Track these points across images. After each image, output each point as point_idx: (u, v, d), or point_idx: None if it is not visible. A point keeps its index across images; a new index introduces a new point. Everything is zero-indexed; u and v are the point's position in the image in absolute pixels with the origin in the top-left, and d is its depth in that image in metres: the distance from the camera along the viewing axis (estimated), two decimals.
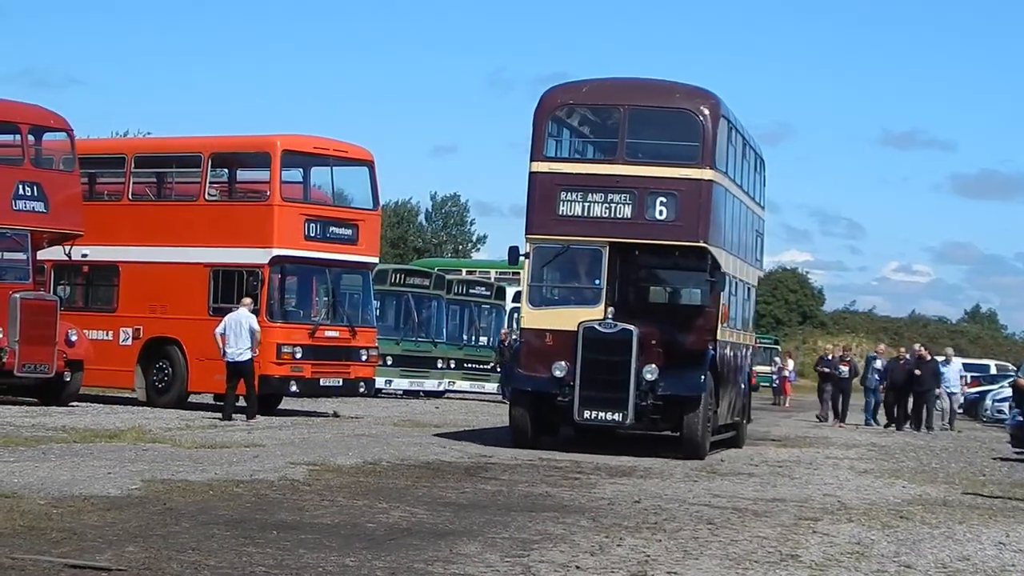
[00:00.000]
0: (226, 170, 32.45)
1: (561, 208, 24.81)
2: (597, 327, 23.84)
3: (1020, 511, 17.77)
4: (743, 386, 30.12)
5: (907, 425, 40.89)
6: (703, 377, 24.13)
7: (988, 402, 46.85)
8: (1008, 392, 43.88)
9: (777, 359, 64.84)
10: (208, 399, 31.72)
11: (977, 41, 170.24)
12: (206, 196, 31.25)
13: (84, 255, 30.89)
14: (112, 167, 33.30)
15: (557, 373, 23.68)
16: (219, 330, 27.32)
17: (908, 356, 43.26)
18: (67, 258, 30.62)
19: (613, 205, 24.56)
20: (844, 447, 31.70)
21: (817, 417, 44.34)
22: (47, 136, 30.72)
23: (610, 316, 23.94)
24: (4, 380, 28.10)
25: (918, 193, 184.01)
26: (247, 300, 27.98)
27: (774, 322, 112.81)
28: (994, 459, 29.78)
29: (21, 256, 28.78)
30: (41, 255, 29.86)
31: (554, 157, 25.53)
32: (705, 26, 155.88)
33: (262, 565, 11.17)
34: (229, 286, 29.47)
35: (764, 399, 60.79)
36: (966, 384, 47.79)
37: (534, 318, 25.22)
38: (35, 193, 29.23)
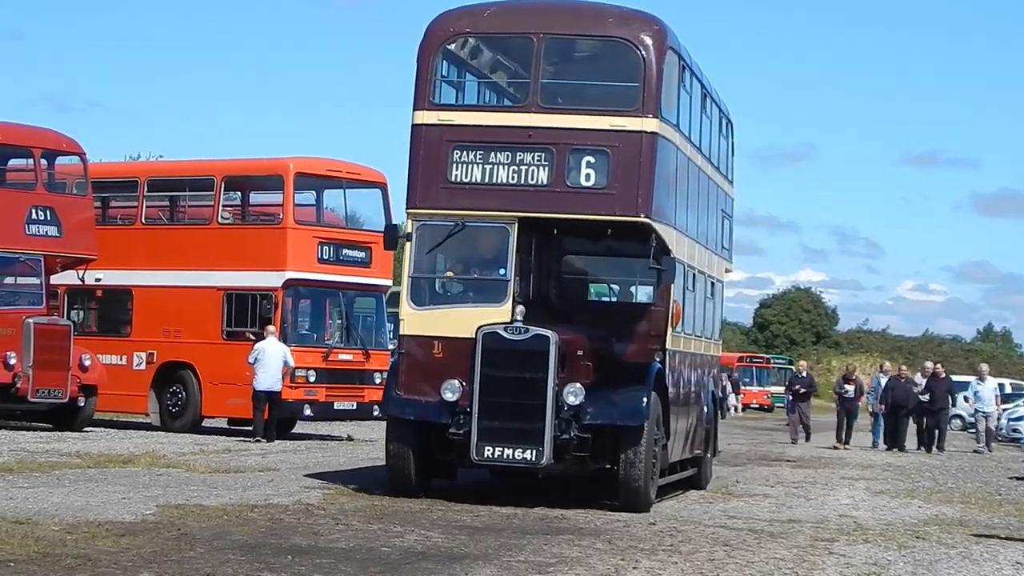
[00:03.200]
0: (239, 193, 32.50)
1: (454, 173, 18.24)
2: (502, 333, 17.44)
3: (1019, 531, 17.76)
4: (707, 410, 23.43)
5: (919, 448, 40.59)
6: (645, 400, 17.70)
7: (1003, 421, 46.68)
8: (1023, 411, 43.85)
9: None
10: (222, 423, 31.75)
11: (999, 59, 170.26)
12: (219, 219, 31.30)
13: (97, 279, 30.97)
14: (125, 191, 33.38)
15: (448, 396, 17.35)
16: (250, 359, 27.50)
17: (910, 374, 43.21)
18: (80, 282, 30.69)
19: (524, 168, 18.00)
20: (859, 467, 31.64)
21: (792, 440, 43.09)
22: (60, 160, 30.83)
23: (520, 317, 17.58)
24: (18, 405, 28.16)
25: (938, 212, 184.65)
26: (271, 328, 28.13)
27: (788, 342, 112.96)
28: (1010, 479, 29.70)
29: (35, 281, 28.87)
30: (54, 279, 29.98)
31: (445, 104, 18.82)
32: (727, 45, 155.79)
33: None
34: (243, 310, 29.56)
35: (779, 420, 60.81)
36: (1000, 403, 47.50)
37: (418, 321, 18.50)
38: (48, 217, 29.33)
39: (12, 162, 30.51)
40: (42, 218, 29.27)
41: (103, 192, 32.32)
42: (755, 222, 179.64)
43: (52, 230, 29.41)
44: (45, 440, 24.83)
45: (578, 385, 17.54)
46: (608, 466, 18.18)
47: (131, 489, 17.70)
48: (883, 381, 42.88)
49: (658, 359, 18.98)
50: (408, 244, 18.68)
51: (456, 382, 17.51)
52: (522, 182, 18.26)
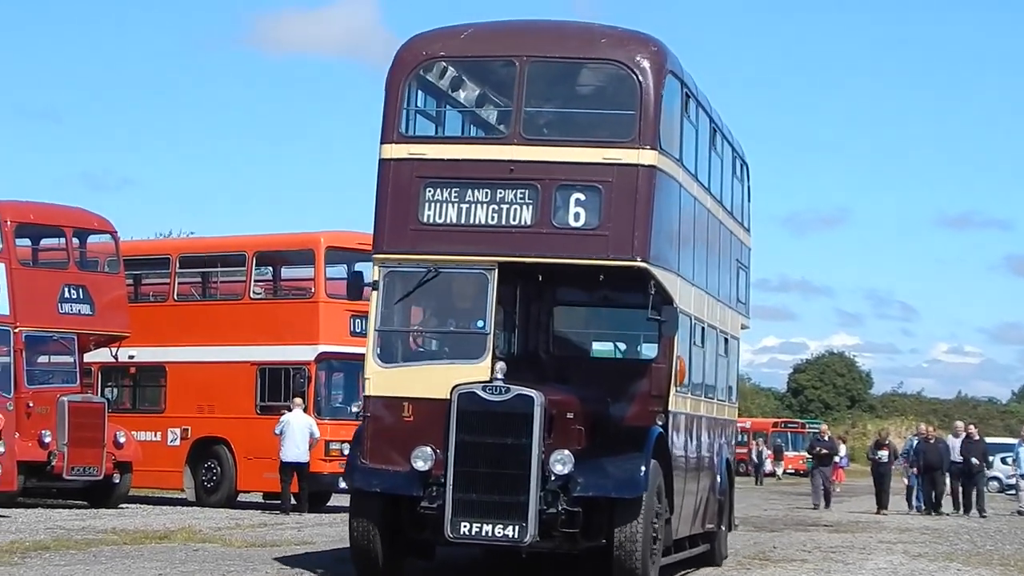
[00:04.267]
0: (270, 268, 32.62)
1: (426, 213, 15.81)
2: (480, 393, 14.90)
3: None
4: (720, 479, 20.87)
5: (956, 510, 40.40)
6: (644, 469, 15.16)
7: None
8: None
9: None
10: (257, 497, 31.77)
11: None
12: (251, 294, 31.38)
13: (131, 356, 31.05)
14: (157, 268, 33.57)
15: (419, 465, 14.97)
16: (277, 431, 27.60)
17: (947, 438, 43.02)
18: (114, 360, 30.78)
19: (505, 207, 15.55)
20: (897, 531, 31.49)
21: (814, 505, 42.16)
22: (92, 239, 30.97)
23: (500, 376, 15.01)
24: (53, 483, 28.24)
25: (972, 274, 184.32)
26: (298, 400, 28.21)
27: (823, 407, 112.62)
28: None
29: (68, 359, 28.98)
30: (88, 357, 30.08)
31: (416, 137, 16.42)
32: (761, 111, 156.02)
33: None
34: (276, 384, 29.62)
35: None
36: None
37: (386, 381, 15.97)
38: (81, 296, 29.49)
39: (44, 241, 30.69)
40: (75, 296, 29.44)
41: (135, 269, 32.46)
42: (789, 287, 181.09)
43: (85, 308, 29.57)
44: (81, 517, 24.87)
45: (567, 452, 14.93)
46: (602, 543, 15.40)
47: (167, 565, 17.70)
48: (915, 442, 42.85)
49: (660, 422, 16.41)
50: (375, 293, 16.14)
51: (428, 449, 15.05)
52: (503, 223, 15.69)
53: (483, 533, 14.79)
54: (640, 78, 15.61)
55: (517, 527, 14.68)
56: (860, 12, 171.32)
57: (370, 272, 16.23)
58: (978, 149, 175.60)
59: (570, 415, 15.83)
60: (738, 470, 66.51)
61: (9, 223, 27.26)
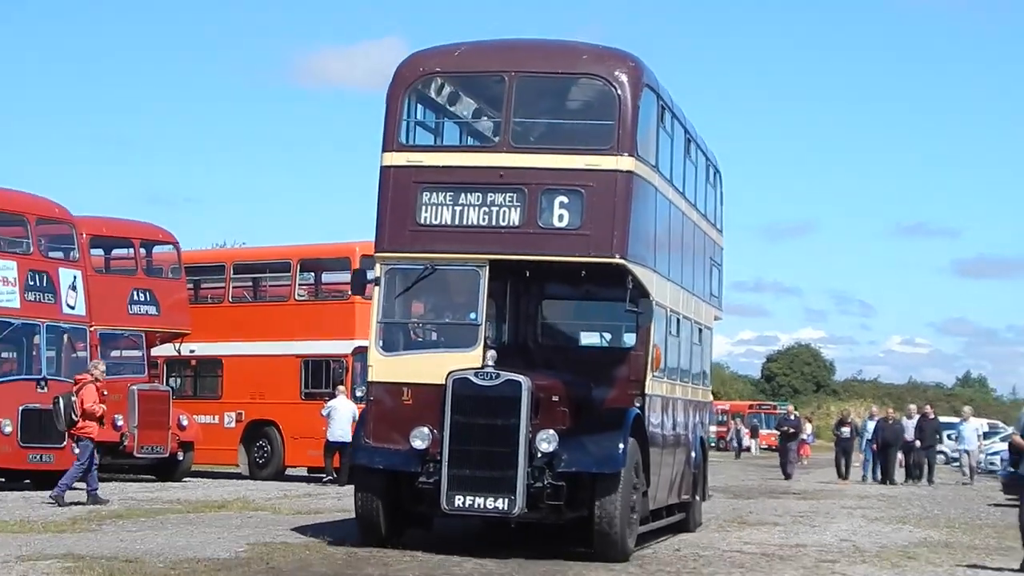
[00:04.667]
0: (312, 273, 32.65)
1: (423, 215, 15.45)
2: (472, 379, 14.71)
3: (1013, 550, 17.62)
4: (695, 455, 20.34)
5: (908, 480, 40.43)
6: (622, 447, 14.84)
7: (981, 455, 46.36)
8: (998, 446, 43.55)
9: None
10: (303, 472, 31.80)
11: (977, 140, 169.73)
12: (296, 297, 31.53)
13: (191, 351, 31.18)
14: (214, 274, 33.69)
15: (417, 444, 14.76)
16: (323, 412, 27.81)
17: (901, 418, 43.07)
18: (177, 354, 30.94)
19: (495, 209, 15.18)
20: (856, 498, 31.46)
21: (784, 476, 41.73)
22: (157, 249, 31.08)
23: (491, 363, 14.90)
24: (125, 461, 28.35)
25: (923, 276, 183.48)
26: (341, 388, 28.43)
27: (792, 391, 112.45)
28: (989, 505, 29.53)
29: (137, 353, 29.07)
30: (154, 352, 30.18)
31: (414, 146, 16.02)
32: (737, 130, 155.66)
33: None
34: (318, 374, 29.71)
35: None
36: (992, 442, 47.18)
37: (387, 368, 15.67)
38: (148, 298, 29.62)
39: (115, 251, 30.78)
40: (142, 299, 29.56)
41: (195, 275, 32.55)
42: (763, 288, 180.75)
43: (151, 309, 29.69)
44: (149, 490, 24.93)
45: (552, 431, 14.72)
46: (585, 514, 15.01)
47: (225, 530, 17.75)
48: (870, 424, 42.87)
49: (637, 404, 15.99)
50: (377, 288, 15.81)
51: (425, 429, 14.83)
52: (493, 224, 15.30)
53: (476, 506, 14.59)
54: (619, 91, 15.30)
55: (507, 500, 14.50)
56: (828, 43, 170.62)
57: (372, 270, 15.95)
58: (929, 166, 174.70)
59: (555, 398, 15.53)
60: (718, 446, 67.07)
61: (84, 236, 27.31)
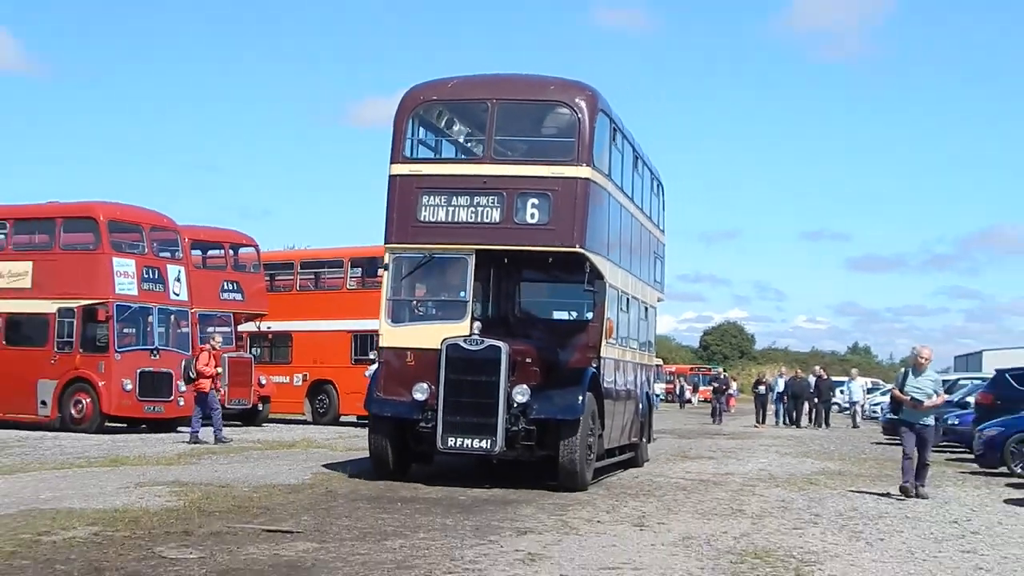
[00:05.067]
0: (360, 269, 32.54)
1: (423, 213, 15.11)
2: (461, 344, 14.45)
3: (889, 477, 17.65)
4: (641, 405, 19.72)
5: (810, 424, 40.48)
6: (581, 399, 14.64)
7: (866, 405, 46.44)
8: (879, 399, 43.74)
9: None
10: (353, 419, 31.81)
11: (867, 158, 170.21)
12: (347, 286, 31.46)
13: (268, 327, 31.16)
14: (285, 269, 33.64)
15: (418, 396, 14.52)
16: (367, 374, 27.82)
17: (805, 376, 43.24)
18: (257, 330, 30.93)
19: (480, 208, 14.89)
20: (771, 438, 31.51)
21: (713, 421, 41.76)
22: (242, 250, 31.06)
23: (476, 332, 14.64)
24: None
25: (823, 269, 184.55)
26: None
27: (723, 357, 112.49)
28: (871, 444, 29.59)
29: (227, 329, 29.01)
30: (240, 328, 30.17)
31: (415, 159, 15.58)
32: (681, 153, 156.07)
33: (391, 525, 11.24)
34: (364, 344, 29.57)
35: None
36: (872, 395, 47.47)
37: (394, 336, 15.30)
38: (235, 288, 29.68)
39: (210, 252, 30.73)
40: (230, 288, 29.63)
41: (271, 270, 32.52)
42: (702, 279, 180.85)
43: (238, 296, 29.73)
44: (237, 433, 24.87)
45: (525, 386, 14.41)
46: (552, 452, 14.66)
47: (294, 463, 17.78)
48: (781, 381, 43.08)
49: (594, 365, 15.48)
50: (386, 273, 15.53)
51: (425, 385, 14.50)
52: (478, 220, 14.91)
53: (464, 445, 14.32)
54: (579, 115, 14.92)
55: (489, 441, 14.21)
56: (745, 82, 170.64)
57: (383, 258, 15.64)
58: (826, 184, 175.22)
59: (528, 360, 15.11)
60: (667, 399, 67.06)
61: (186, 240, 27.32)
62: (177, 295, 26.04)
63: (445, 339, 14.55)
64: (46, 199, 27.68)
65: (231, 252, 30.82)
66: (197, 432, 21.73)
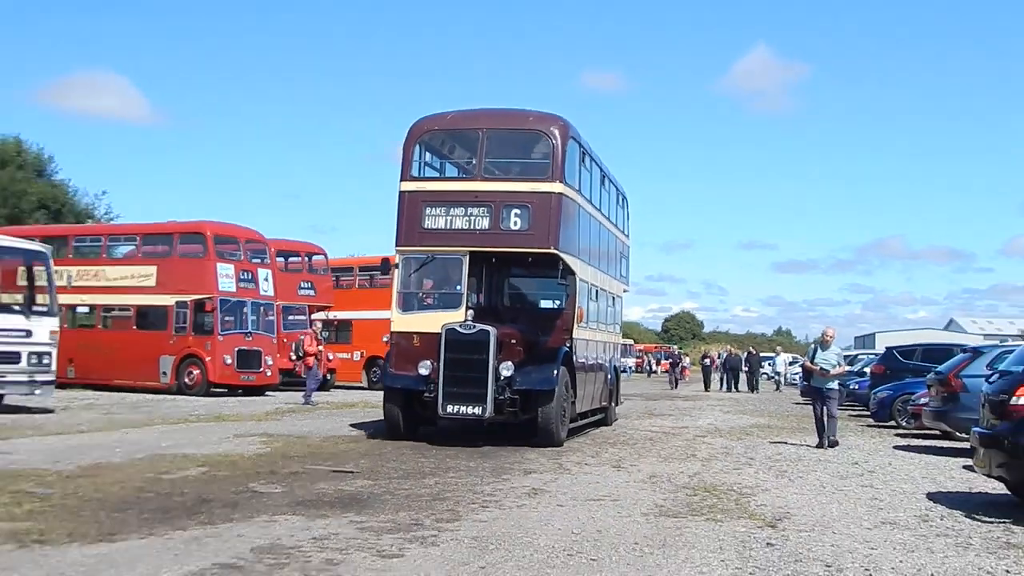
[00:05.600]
0: None
1: (426, 222, 14.31)
2: (458, 329, 13.69)
3: (805, 429, 17.58)
4: (610, 376, 18.81)
5: (746, 390, 40.40)
6: (555, 372, 13.89)
7: (788, 375, 46.30)
8: (797, 369, 43.62)
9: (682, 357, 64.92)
10: None
11: (794, 178, 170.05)
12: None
13: (335, 317, 31.15)
14: (347, 272, 33.52)
15: (423, 371, 13.77)
16: None
17: (742, 352, 43.28)
18: (326, 318, 30.89)
19: (472, 217, 14.18)
20: (716, 400, 31.47)
21: (671, 387, 41.82)
22: (315, 257, 31.02)
23: (469, 319, 13.90)
24: (295, 380, 28.33)
25: (755, 272, 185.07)
26: None
27: (679, 338, 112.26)
28: (793, 403, 29.52)
29: (303, 318, 28.98)
30: (313, 316, 30.15)
31: (420, 177, 14.70)
32: (647, 178, 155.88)
33: (427, 467, 11.18)
34: None
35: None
36: (792, 367, 47.48)
37: (403, 322, 14.56)
38: (309, 286, 29.68)
39: (291, 259, 30.68)
40: (306, 287, 29.59)
41: (336, 272, 32.40)
42: (663, 279, 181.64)
43: (311, 292, 29.70)
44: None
45: (509, 362, 13.62)
46: (532, 416, 13.86)
47: (353, 419, 17.74)
48: (724, 356, 43.16)
49: (567, 345, 14.58)
50: (396, 271, 14.72)
51: (428, 362, 13.70)
52: (471, 227, 14.09)
53: (460, 412, 13.52)
54: (553, 140, 14.07)
55: (481, 407, 13.42)
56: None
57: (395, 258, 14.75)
58: (758, 205, 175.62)
59: (514, 341, 14.21)
60: (637, 371, 66.88)
61: (272, 249, 27.30)
62: (265, 292, 26.00)
63: (444, 324, 13.78)
64: (166, 218, 27.73)
65: (306, 259, 30.77)
66: (309, 396, 21.83)
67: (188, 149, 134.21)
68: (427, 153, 15.23)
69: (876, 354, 30.17)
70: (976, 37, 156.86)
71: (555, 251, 13.97)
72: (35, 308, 17.01)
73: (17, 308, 16.85)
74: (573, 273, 14.77)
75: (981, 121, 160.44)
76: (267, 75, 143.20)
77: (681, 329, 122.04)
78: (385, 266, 15.01)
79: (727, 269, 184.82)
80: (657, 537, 7.44)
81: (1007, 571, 6.74)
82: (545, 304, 17.40)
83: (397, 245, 14.53)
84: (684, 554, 6.87)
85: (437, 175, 15.34)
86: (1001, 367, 11.40)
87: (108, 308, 25.66)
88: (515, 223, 14.03)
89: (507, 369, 13.55)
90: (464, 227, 14.13)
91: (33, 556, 6.25)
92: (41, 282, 17.48)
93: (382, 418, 14.74)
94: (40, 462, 10.52)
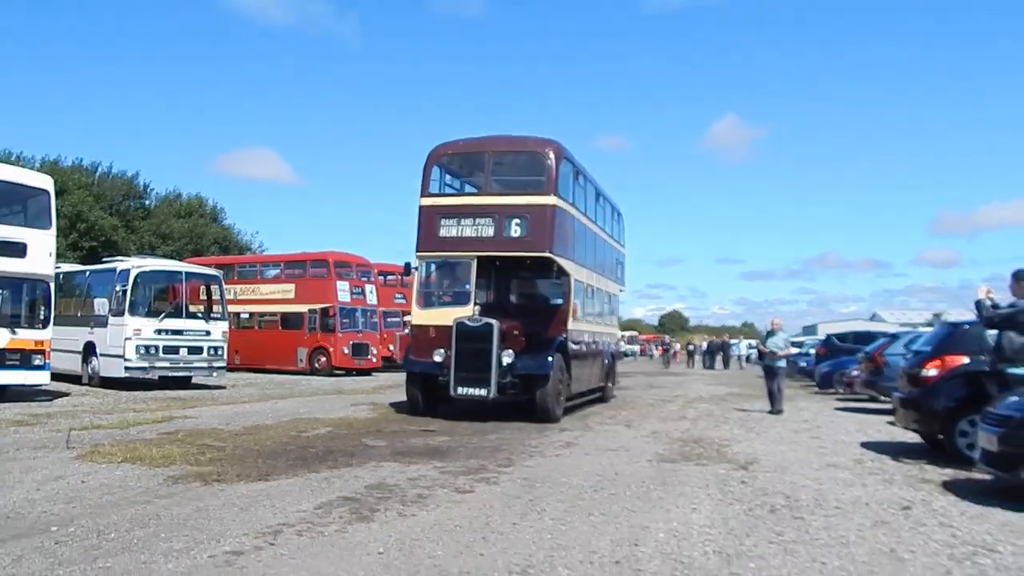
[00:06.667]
0: None
1: (442, 231, 12.44)
2: (467, 322, 11.87)
3: (758, 396, 17.25)
4: (607, 361, 16.52)
5: (721, 367, 39.82)
6: (550, 359, 12.02)
7: (750, 356, 45.56)
8: (754, 352, 42.91)
9: (673, 345, 64.23)
10: None
11: (755, 213, 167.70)
12: None
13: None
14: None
15: (437, 358, 11.97)
16: None
17: (718, 340, 42.63)
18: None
19: (480, 227, 12.33)
20: (699, 375, 30.98)
21: (664, 366, 40.90)
22: (406, 276, 30.68)
23: (476, 313, 12.06)
24: (398, 369, 28.40)
25: (728, 280, 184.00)
26: None
27: (671, 330, 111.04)
28: (757, 378, 28.91)
29: (397, 320, 28.94)
30: (406, 319, 30.00)
31: (436, 194, 12.76)
32: (644, 207, 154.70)
33: (488, 427, 11.07)
34: None
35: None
36: (751, 350, 46.77)
37: (422, 317, 12.63)
38: (402, 297, 29.38)
39: (388, 277, 30.11)
40: (399, 297, 29.18)
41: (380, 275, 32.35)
42: (659, 287, 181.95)
43: (403, 301, 29.12)
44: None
45: (510, 351, 11.87)
46: (532, 397, 11.99)
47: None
48: (705, 343, 42.52)
49: (563, 335, 12.66)
50: (416, 273, 12.86)
51: (442, 350, 11.94)
52: (479, 235, 12.25)
53: (468, 393, 11.63)
54: (547, 160, 12.26)
55: (486, 389, 11.58)
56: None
57: (414, 263, 12.88)
58: (731, 230, 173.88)
59: (516, 332, 12.34)
60: (640, 355, 66.19)
61: (375, 271, 27.32)
62: (371, 301, 26.01)
63: (455, 318, 11.98)
64: (301, 250, 28.01)
65: (400, 277, 30.67)
66: None
67: (317, 200, 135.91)
68: (443, 173, 13.45)
69: (819, 340, 29.60)
70: (888, 96, 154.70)
71: (549, 255, 12.23)
72: (212, 315, 17.36)
73: (200, 315, 17.21)
74: (568, 274, 13.01)
75: (895, 162, 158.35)
76: (372, 144, 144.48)
77: (672, 323, 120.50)
78: (407, 269, 13.24)
79: (707, 278, 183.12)
80: (659, 477, 7.34)
81: (924, 500, 6.54)
82: (545, 301, 15.40)
83: (417, 251, 12.74)
84: (679, 489, 6.77)
85: (451, 191, 13.55)
86: (914, 348, 11.12)
87: (261, 315, 25.97)
88: (515, 231, 12.31)
89: (508, 356, 11.84)
90: (472, 235, 12.39)
91: (213, 491, 6.34)
92: (216, 297, 17.82)
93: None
94: (216, 424, 10.68)
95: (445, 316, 12.19)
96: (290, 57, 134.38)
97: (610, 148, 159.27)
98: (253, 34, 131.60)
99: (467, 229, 12.46)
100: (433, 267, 12.96)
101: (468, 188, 13.51)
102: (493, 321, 11.96)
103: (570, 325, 13.10)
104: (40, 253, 13.10)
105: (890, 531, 5.47)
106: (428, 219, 12.60)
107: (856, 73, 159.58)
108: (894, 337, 15.75)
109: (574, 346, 13.41)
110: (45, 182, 13.55)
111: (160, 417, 11.33)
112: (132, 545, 4.76)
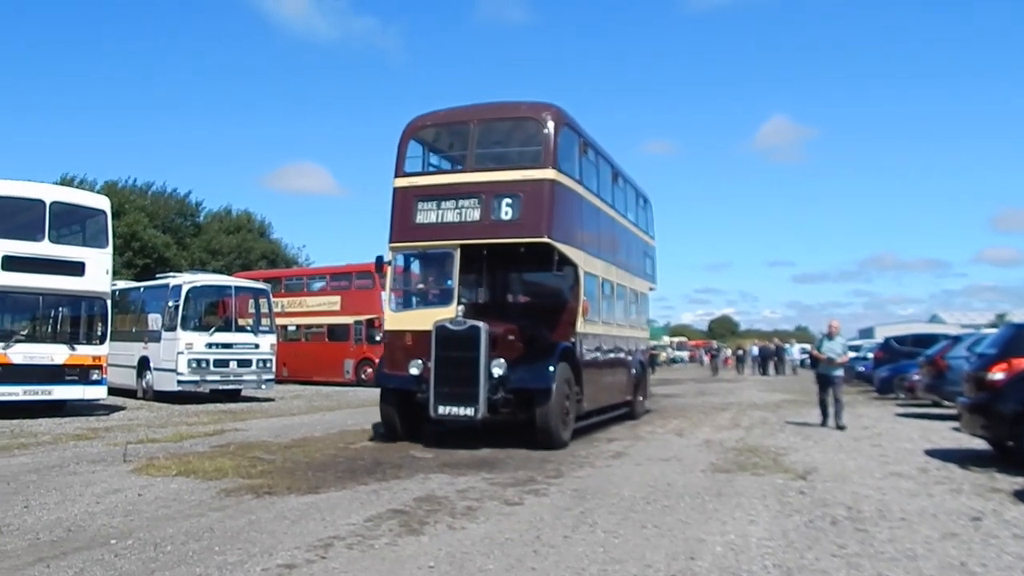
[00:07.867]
0: None
1: (418, 217, 10.22)
2: (448, 325, 9.66)
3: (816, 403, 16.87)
4: (634, 371, 13.75)
5: (773, 373, 38.98)
6: (551, 368, 9.71)
7: (804, 361, 44.49)
8: (806, 357, 41.99)
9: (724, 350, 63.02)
10: None
11: (806, 207, 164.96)
12: None
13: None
14: None
15: (413, 371, 9.90)
16: None
17: (770, 345, 41.84)
18: None
19: (463, 210, 10.04)
20: (751, 381, 30.39)
21: (712, 374, 39.34)
22: None
23: (460, 314, 9.79)
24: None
25: (779, 283, 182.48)
26: None
27: (721, 335, 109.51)
28: (811, 383, 28.23)
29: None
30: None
31: (412, 173, 10.56)
32: (687, 216, 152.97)
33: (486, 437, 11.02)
34: None
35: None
36: (803, 355, 45.74)
37: (396, 320, 10.46)
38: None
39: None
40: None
41: None
42: (708, 292, 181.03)
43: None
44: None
45: (502, 360, 9.65)
46: (530, 416, 9.75)
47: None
48: (755, 348, 41.77)
49: (572, 340, 10.41)
50: (390, 267, 10.58)
51: (420, 361, 9.86)
52: (462, 220, 10.03)
53: (452, 413, 9.52)
54: (544, 127, 10.06)
55: (472, 408, 9.47)
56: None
57: (387, 255, 10.64)
58: (782, 234, 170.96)
59: (511, 337, 10.16)
60: (689, 362, 65.19)
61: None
62: None
63: (436, 321, 9.80)
64: (346, 262, 28.36)
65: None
66: None
67: (362, 212, 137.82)
68: (421, 148, 11.12)
69: (877, 343, 28.81)
70: (945, 93, 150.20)
71: (548, 240, 9.85)
72: (260, 328, 17.68)
73: (249, 328, 17.56)
74: (574, 264, 10.64)
75: (955, 158, 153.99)
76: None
77: (722, 328, 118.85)
78: (379, 262, 10.95)
79: (757, 281, 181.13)
80: (714, 488, 7.19)
81: (995, 510, 6.28)
82: (551, 300, 12.19)
83: (390, 241, 10.50)
84: (735, 500, 6.63)
85: (429, 169, 11.19)
86: (978, 350, 10.73)
87: (308, 327, 26.39)
88: (506, 213, 9.99)
89: (498, 367, 9.63)
90: (455, 220, 10.14)
91: (265, 503, 6.44)
92: (264, 310, 18.13)
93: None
94: (266, 436, 10.82)
95: (424, 319, 10.02)
96: (335, 71, 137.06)
97: (657, 152, 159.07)
98: (299, 50, 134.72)
99: (448, 213, 10.22)
100: (409, 260, 10.82)
101: (457, 166, 11.07)
102: (480, 324, 9.73)
103: (580, 327, 10.74)
104: (97, 271, 13.56)
105: (960, 543, 5.26)
106: (403, 203, 10.43)
107: (911, 68, 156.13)
108: (956, 339, 15.20)
109: (586, 353, 11.06)
110: (102, 203, 14.05)
111: (212, 430, 11.54)
112: (188, 558, 4.85)
